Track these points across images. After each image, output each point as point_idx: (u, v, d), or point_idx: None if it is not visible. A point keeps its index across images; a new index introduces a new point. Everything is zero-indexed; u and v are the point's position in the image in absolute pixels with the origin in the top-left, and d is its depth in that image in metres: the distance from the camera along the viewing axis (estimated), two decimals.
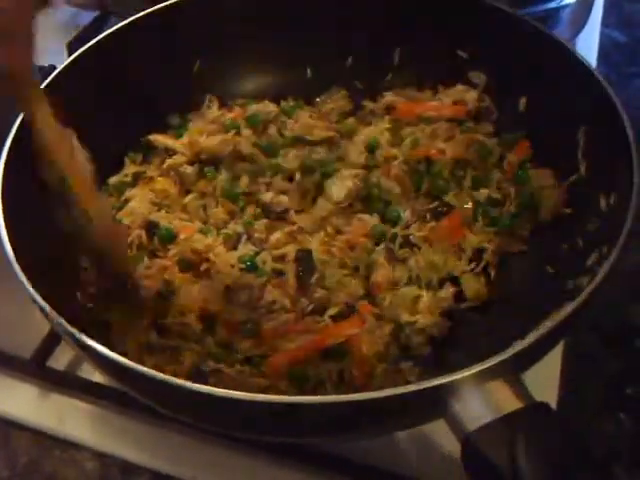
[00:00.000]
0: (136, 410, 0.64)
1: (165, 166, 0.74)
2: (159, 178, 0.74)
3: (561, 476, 0.42)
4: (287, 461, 0.61)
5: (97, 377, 0.67)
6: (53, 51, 0.99)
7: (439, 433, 0.60)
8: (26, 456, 0.64)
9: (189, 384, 0.46)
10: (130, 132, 0.77)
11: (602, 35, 1.02)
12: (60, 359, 0.69)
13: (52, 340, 0.68)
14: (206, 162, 0.75)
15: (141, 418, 0.64)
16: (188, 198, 0.73)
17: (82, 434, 0.65)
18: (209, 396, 0.45)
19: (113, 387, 0.65)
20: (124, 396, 0.64)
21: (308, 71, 0.83)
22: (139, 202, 0.71)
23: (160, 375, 0.47)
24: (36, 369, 0.68)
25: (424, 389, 0.45)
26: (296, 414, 0.47)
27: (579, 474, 0.42)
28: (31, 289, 0.52)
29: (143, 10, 0.77)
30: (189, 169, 0.74)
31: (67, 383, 0.67)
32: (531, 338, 0.47)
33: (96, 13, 1.06)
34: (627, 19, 1.07)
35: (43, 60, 0.92)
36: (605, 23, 1.04)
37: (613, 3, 1.08)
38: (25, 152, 0.62)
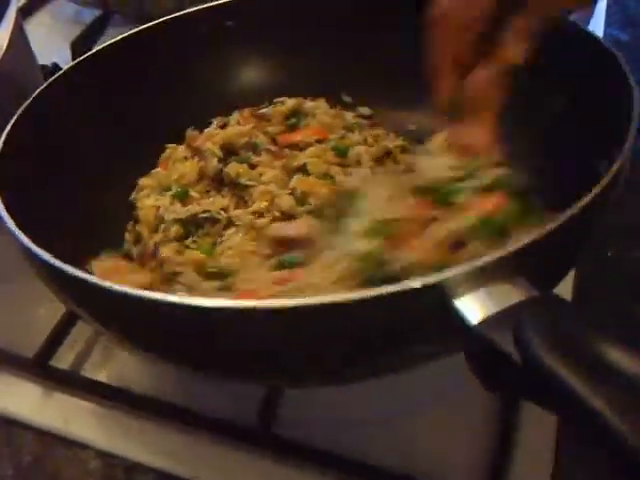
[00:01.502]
0: (140, 409, 0.64)
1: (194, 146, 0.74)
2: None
3: (577, 348, 0.37)
4: (291, 460, 0.61)
5: (101, 376, 0.67)
6: (56, 49, 1.00)
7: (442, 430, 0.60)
8: (30, 455, 0.64)
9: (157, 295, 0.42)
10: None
11: (606, 35, 1.02)
12: (64, 358, 0.69)
13: (55, 339, 0.69)
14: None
15: (145, 417, 0.65)
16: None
17: (86, 433, 0.65)
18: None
19: (117, 386, 0.66)
20: (129, 395, 0.65)
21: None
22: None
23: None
24: (39, 368, 0.68)
25: (423, 286, 0.41)
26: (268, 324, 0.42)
27: (597, 347, 0.37)
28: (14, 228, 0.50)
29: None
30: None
31: (71, 382, 0.67)
32: (535, 235, 0.43)
33: (99, 11, 1.06)
34: (631, 19, 1.07)
35: (46, 58, 0.92)
36: (609, 23, 1.04)
37: (617, 2, 1.08)
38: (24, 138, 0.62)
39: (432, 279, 0.41)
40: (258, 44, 0.80)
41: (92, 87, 0.72)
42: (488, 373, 0.41)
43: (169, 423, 0.64)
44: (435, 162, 0.62)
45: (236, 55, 0.81)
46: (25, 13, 1.07)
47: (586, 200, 0.46)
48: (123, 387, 0.65)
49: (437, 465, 0.60)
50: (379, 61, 0.77)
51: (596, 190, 0.47)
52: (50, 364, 0.68)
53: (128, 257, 0.68)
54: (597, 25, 1.01)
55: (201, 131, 0.77)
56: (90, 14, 1.06)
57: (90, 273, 0.57)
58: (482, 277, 0.42)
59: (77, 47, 0.98)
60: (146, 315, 0.45)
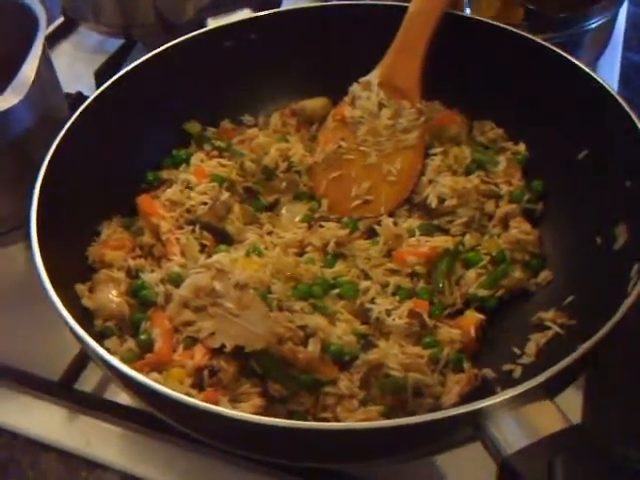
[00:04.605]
0: (162, 432, 0.65)
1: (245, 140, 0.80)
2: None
3: None
4: None
5: (124, 399, 0.67)
6: (80, 77, 1.02)
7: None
8: (54, 477, 0.65)
9: (222, 410, 0.47)
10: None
11: (624, 59, 1.02)
12: (87, 382, 0.70)
13: (80, 363, 0.69)
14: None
15: (167, 440, 0.65)
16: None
17: (109, 455, 0.65)
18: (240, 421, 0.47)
19: (139, 409, 0.66)
20: (150, 418, 0.65)
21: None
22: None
23: (185, 398, 0.48)
24: (64, 391, 0.69)
25: (458, 415, 0.45)
26: (329, 440, 0.48)
27: None
28: (64, 311, 0.53)
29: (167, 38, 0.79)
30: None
31: (94, 405, 0.68)
32: (564, 363, 0.47)
33: (122, 40, 1.08)
34: None
35: (71, 87, 0.94)
36: (627, 46, 1.04)
37: (635, 26, 1.08)
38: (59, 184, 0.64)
39: (469, 407, 0.45)
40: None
41: (124, 106, 0.75)
42: None
43: (191, 445, 0.64)
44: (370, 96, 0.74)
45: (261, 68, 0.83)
46: (51, 43, 1.10)
47: (608, 327, 0.49)
48: (145, 409, 0.66)
49: None
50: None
51: (617, 316, 0.50)
52: (74, 387, 0.69)
53: None
54: (615, 50, 1.01)
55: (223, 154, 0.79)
56: (113, 44, 1.08)
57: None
58: (515, 404, 0.45)
59: (101, 76, 1.00)
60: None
